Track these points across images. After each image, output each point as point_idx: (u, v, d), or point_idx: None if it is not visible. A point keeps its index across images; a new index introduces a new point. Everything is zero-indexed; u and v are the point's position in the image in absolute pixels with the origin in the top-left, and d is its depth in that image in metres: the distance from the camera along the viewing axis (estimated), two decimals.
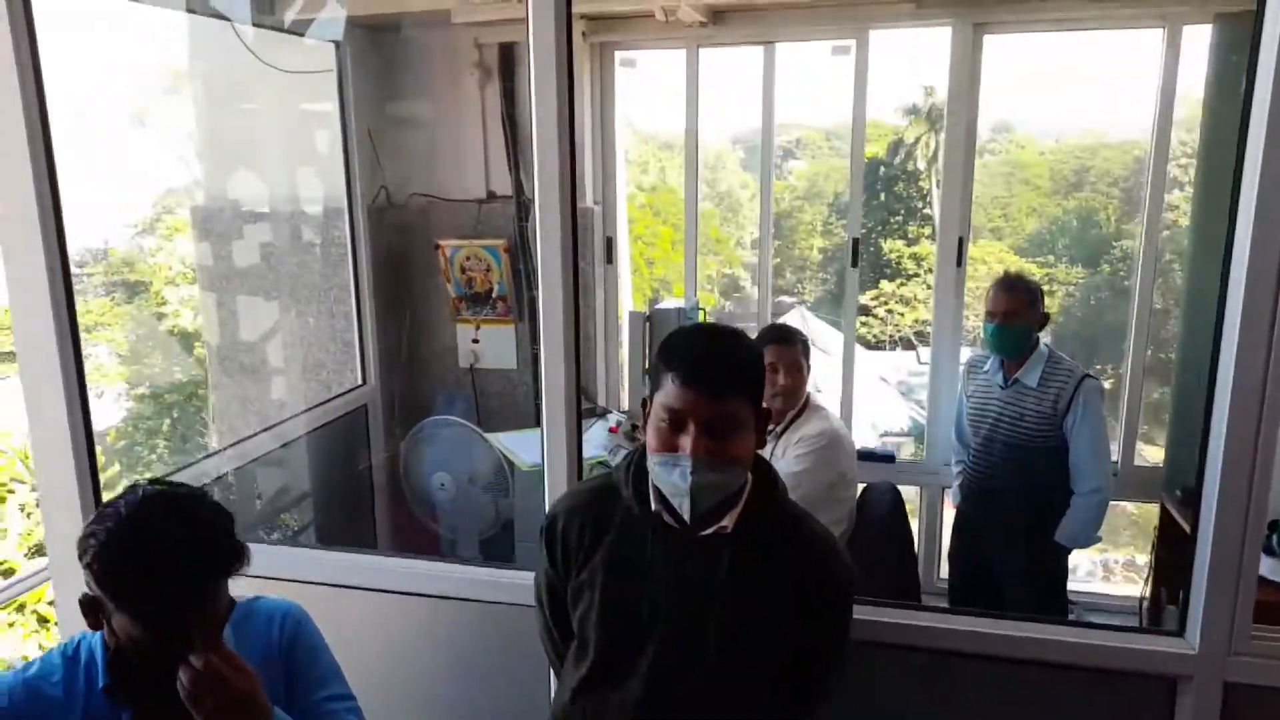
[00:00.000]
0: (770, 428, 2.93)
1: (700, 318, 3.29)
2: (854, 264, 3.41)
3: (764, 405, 1.46)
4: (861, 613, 1.72)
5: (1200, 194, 3.07)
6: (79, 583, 1.34)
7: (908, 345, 17.27)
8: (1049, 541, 2.88)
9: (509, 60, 3.34)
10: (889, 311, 17.87)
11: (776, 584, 1.45)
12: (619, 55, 3.43)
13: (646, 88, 3.89)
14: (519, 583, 2.06)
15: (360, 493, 3.59)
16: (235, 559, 1.33)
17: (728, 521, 1.45)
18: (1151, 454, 4.16)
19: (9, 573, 7.02)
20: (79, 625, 1.39)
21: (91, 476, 2.20)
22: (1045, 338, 2.94)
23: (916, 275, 17.82)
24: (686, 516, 1.41)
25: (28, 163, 2.03)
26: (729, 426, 1.38)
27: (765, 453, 2.94)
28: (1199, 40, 3.00)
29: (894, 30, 3.25)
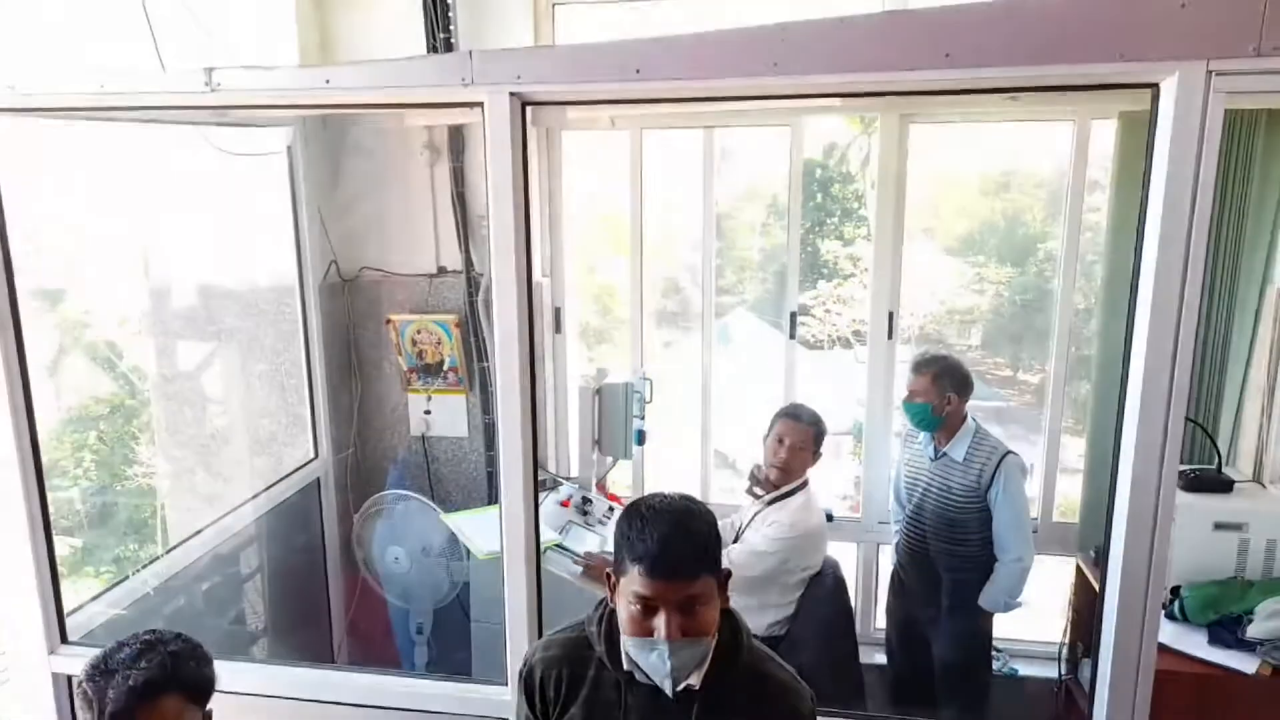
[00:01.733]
0: (759, 494, 3.06)
1: (646, 390, 3.41)
2: (791, 335, 3.57)
3: (721, 565, 1.55)
4: None
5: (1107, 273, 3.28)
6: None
7: (846, 345, 17.58)
8: (975, 605, 3.10)
9: (458, 140, 3.41)
10: (827, 312, 18.14)
11: None
12: (565, 135, 3.52)
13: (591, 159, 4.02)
14: (479, 696, 2.19)
15: (315, 566, 3.64)
16: (199, 678, 1.61)
17: (695, 680, 1.53)
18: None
19: None
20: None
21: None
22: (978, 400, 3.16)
23: (853, 275, 18.12)
24: (670, 694, 1.50)
25: None
26: (699, 603, 1.47)
27: (746, 515, 3.08)
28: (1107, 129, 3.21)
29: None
